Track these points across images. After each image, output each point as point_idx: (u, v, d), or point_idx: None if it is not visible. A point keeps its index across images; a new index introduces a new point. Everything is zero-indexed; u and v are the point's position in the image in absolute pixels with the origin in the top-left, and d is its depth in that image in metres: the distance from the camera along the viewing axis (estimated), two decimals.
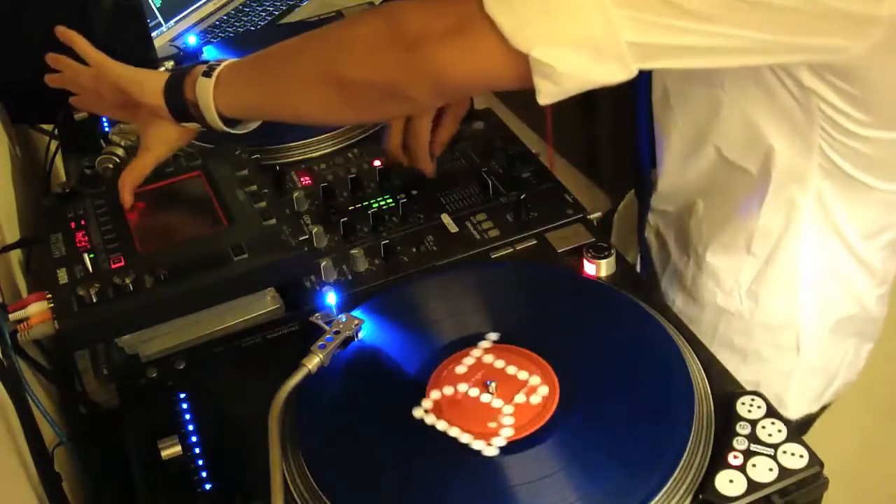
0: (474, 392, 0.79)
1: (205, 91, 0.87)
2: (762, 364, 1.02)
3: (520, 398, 0.78)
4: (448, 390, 0.79)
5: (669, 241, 1.08)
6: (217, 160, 1.01)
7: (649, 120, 1.01)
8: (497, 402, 0.78)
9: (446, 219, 1.02)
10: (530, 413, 0.77)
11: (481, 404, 0.78)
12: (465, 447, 0.75)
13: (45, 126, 1.29)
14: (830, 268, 0.95)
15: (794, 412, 1.04)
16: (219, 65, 0.88)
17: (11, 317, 0.83)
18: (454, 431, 0.76)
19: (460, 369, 0.81)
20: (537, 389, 0.78)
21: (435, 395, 0.79)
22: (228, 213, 0.93)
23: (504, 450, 0.74)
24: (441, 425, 0.77)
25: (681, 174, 1.00)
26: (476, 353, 0.82)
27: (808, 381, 1.03)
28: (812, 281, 0.96)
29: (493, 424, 0.76)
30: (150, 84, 0.91)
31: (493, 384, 0.79)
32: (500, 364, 0.81)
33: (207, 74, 0.87)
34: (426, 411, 0.78)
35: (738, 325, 1.01)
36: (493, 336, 0.83)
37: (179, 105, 0.89)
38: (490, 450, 0.74)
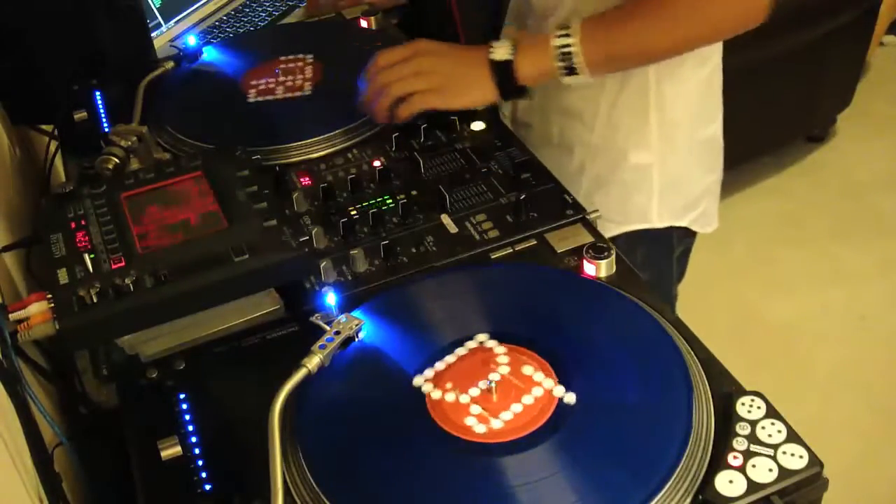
0: (474, 392, 0.79)
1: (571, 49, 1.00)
2: (627, 188, 1.20)
3: (519, 398, 0.78)
4: (448, 389, 0.80)
5: (533, 112, 1.24)
6: (217, 160, 1.01)
7: None
8: (497, 402, 0.78)
9: (446, 219, 1.02)
10: (530, 413, 0.77)
11: (482, 404, 0.78)
12: (465, 447, 0.75)
13: (45, 126, 1.29)
14: (678, 87, 1.13)
15: (660, 221, 1.22)
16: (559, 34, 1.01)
17: (11, 317, 0.83)
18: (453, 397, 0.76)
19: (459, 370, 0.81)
20: (537, 390, 0.79)
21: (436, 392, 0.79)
22: (228, 214, 0.93)
23: (505, 450, 0.74)
24: (436, 394, 0.79)
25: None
26: (476, 353, 0.83)
27: (669, 194, 1.20)
28: (661, 100, 1.14)
29: (495, 424, 0.76)
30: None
31: (494, 384, 0.79)
32: (500, 364, 0.81)
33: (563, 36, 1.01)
34: (426, 381, 0.80)
35: (603, 157, 1.19)
36: (482, 337, 0.84)
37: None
38: (480, 427, 0.75)
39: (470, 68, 1.05)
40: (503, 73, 1.03)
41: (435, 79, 1.05)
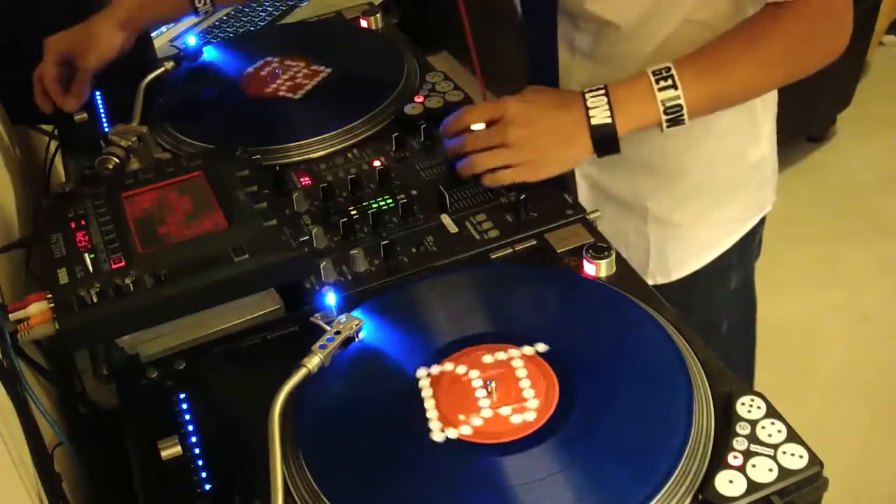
0: (474, 391, 0.79)
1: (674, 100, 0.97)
2: (748, 188, 1.20)
3: (520, 398, 0.78)
4: (448, 387, 0.80)
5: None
6: (217, 160, 1.01)
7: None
8: (497, 402, 0.78)
9: (446, 219, 1.02)
10: (530, 413, 0.77)
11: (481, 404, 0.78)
12: (466, 447, 0.75)
13: (45, 126, 1.29)
14: None
15: (751, 222, 1.23)
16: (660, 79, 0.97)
17: (11, 317, 0.83)
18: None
19: (460, 369, 0.81)
20: (537, 390, 0.79)
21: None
22: (228, 214, 0.93)
23: (505, 450, 0.74)
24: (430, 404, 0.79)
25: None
26: (477, 353, 0.83)
27: (762, 190, 1.23)
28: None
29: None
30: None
31: (493, 384, 0.79)
32: (499, 364, 0.81)
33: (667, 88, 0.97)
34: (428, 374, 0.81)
35: (718, 166, 1.16)
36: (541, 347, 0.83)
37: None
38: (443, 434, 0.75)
39: (565, 141, 1.00)
40: (604, 135, 0.98)
41: (526, 154, 1.00)
